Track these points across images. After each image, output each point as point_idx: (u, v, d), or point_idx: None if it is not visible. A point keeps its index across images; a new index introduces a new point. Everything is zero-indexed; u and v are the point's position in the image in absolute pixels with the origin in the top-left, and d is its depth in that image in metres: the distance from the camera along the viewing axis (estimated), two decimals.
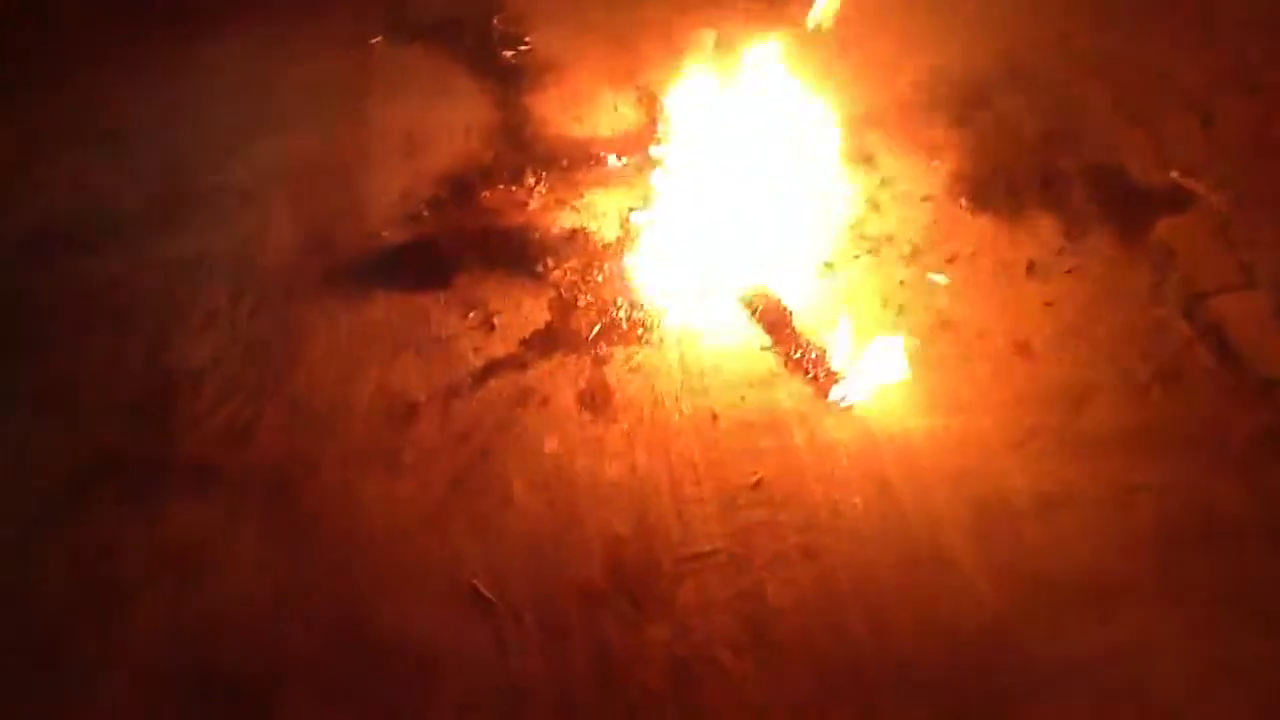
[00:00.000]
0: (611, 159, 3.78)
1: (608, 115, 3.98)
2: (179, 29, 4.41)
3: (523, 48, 4.28)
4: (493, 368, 3.12)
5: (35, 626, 2.67)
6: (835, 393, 3.02)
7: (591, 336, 3.18)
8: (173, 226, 3.58)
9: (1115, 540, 2.71)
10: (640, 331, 3.20)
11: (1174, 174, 3.62)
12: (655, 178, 3.57)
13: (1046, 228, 3.49)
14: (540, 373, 3.10)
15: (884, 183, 3.66)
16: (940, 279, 3.26)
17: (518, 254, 3.43)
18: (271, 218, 3.60)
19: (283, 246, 3.51)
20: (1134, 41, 4.24)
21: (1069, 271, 3.34)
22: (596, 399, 3.03)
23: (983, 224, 3.51)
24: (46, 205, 3.69)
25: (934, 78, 4.08)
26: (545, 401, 3.03)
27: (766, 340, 3.19)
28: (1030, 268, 3.36)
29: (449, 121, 3.96)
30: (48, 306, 3.37)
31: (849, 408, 3.00)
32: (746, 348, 3.17)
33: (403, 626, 2.59)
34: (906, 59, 4.15)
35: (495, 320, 3.24)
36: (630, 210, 3.55)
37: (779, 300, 3.27)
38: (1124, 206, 3.55)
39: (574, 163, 3.77)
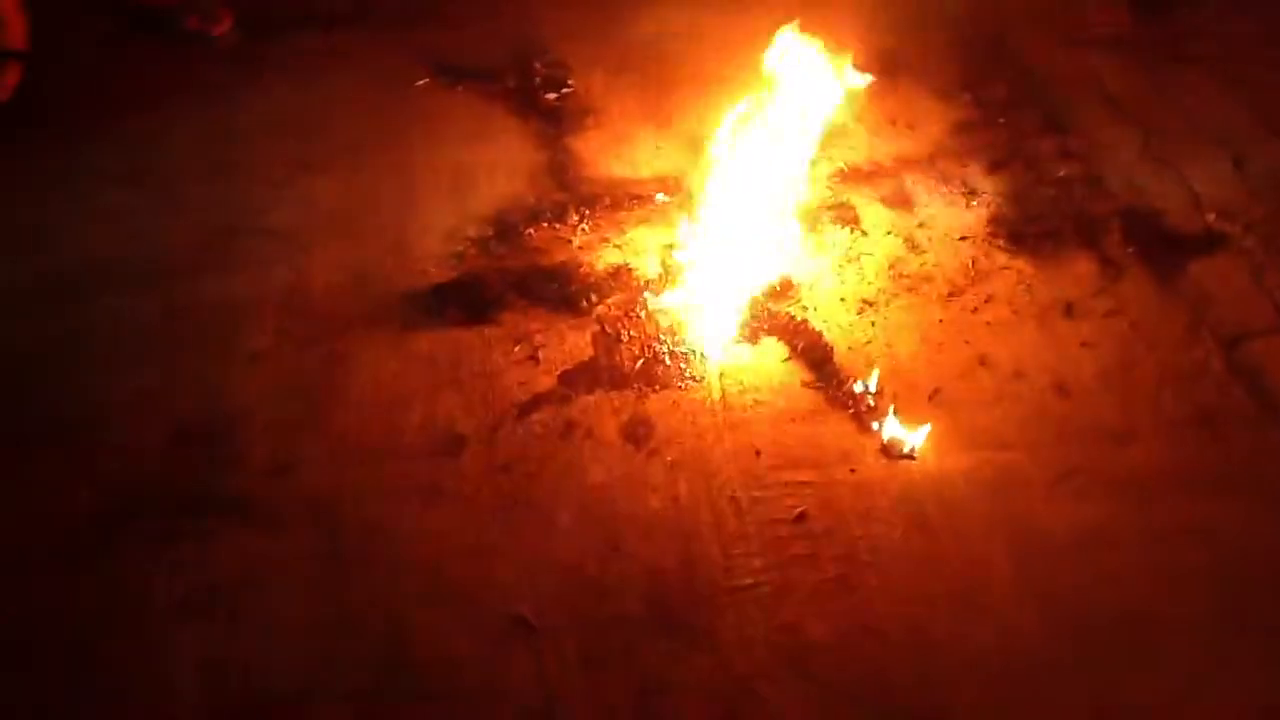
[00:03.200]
0: (656, 197, 3.86)
1: (649, 155, 4.07)
2: (224, 72, 4.52)
3: (565, 90, 4.38)
4: (537, 401, 3.15)
5: (70, 663, 2.59)
6: (875, 429, 3.06)
7: (634, 371, 3.23)
8: (216, 267, 3.60)
9: (1159, 583, 2.71)
10: (682, 366, 3.25)
11: (1210, 216, 3.66)
12: (697, 216, 3.64)
13: (1083, 270, 3.54)
14: (584, 406, 3.14)
15: (922, 224, 3.73)
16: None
17: (562, 290, 3.49)
18: (316, 257, 3.63)
19: (328, 285, 3.54)
20: (1161, 85, 4.32)
21: (1107, 313, 3.39)
22: (639, 432, 3.07)
23: (1020, 265, 3.56)
24: (88, 245, 3.69)
25: (967, 125, 4.17)
26: (589, 434, 3.07)
27: (808, 376, 3.23)
28: (1068, 309, 3.40)
29: (493, 162, 4.04)
30: (87, 345, 3.35)
31: (889, 443, 3.02)
32: (788, 384, 3.21)
33: (445, 655, 2.59)
34: (940, 106, 4.24)
35: (540, 355, 3.28)
36: (672, 248, 3.61)
37: (820, 336, 3.32)
38: (1159, 249, 3.60)
39: (616, 201, 3.85)
